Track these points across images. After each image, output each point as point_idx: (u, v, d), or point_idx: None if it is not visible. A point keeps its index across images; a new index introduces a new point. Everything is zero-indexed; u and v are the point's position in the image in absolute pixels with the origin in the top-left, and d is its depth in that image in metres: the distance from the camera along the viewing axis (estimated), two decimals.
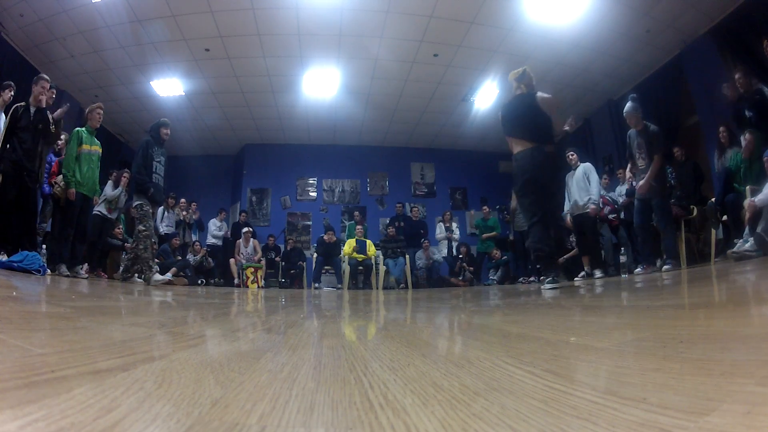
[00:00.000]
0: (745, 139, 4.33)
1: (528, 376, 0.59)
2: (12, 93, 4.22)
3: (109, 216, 5.73)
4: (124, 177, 5.83)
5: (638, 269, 4.95)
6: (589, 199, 5.44)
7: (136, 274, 4.62)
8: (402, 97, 8.07)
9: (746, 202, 3.83)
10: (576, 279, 5.36)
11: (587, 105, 8.16)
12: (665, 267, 4.49)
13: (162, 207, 7.53)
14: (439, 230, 8.59)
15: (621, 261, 6.04)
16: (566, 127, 3.60)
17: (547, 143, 3.46)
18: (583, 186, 5.52)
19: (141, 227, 4.72)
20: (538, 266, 3.93)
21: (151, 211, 4.79)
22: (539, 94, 3.53)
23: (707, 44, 5.84)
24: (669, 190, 5.43)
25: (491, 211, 8.48)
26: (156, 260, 5.01)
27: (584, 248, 5.64)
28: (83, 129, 4.77)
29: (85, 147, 4.71)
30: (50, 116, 4.38)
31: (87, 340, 0.89)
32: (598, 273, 5.23)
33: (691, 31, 5.99)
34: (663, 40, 6.24)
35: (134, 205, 4.83)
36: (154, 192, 4.72)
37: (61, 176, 4.69)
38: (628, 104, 4.81)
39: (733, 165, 4.57)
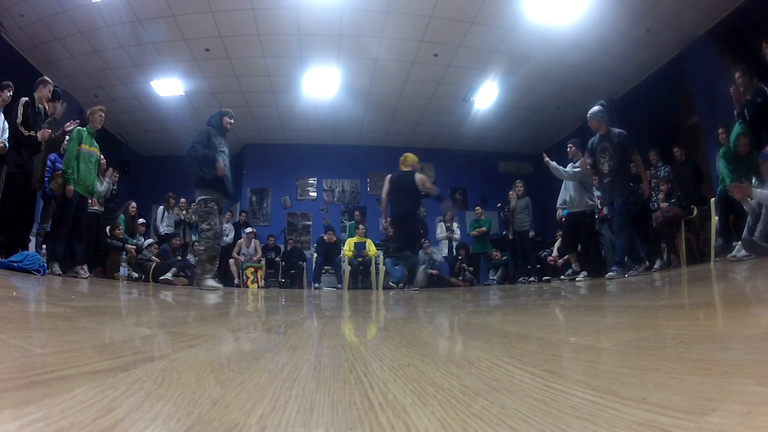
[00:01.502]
0: (739, 138, 4.34)
1: (528, 376, 0.59)
2: (11, 93, 4.21)
3: (99, 210, 5.66)
4: (102, 162, 5.73)
5: (611, 273, 4.87)
6: (569, 200, 5.46)
7: (181, 274, 4.39)
8: (402, 97, 8.07)
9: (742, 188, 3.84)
10: (564, 277, 5.38)
11: (587, 105, 8.07)
12: (609, 273, 4.41)
13: (162, 207, 7.54)
14: (440, 230, 8.59)
15: (625, 261, 6.03)
16: (430, 189, 5.43)
17: (416, 208, 5.55)
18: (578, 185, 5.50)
19: (204, 225, 4.34)
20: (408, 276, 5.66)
21: (217, 207, 4.38)
22: (417, 174, 5.33)
23: (707, 44, 5.84)
24: (631, 192, 5.42)
25: (484, 212, 8.50)
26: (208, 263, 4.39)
27: (571, 246, 5.63)
28: (84, 129, 4.73)
29: (84, 147, 4.67)
30: (50, 116, 4.39)
31: (87, 340, 0.89)
32: (573, 270, 5.27)
33: (691, 31, 5.99)
34: (663, 40, 6.24)
35: (197, 200, 4.41)
36: (219, 185, 4.34)
37: (59, 172, 4.67)
38: (595, 108, 4.82)
39: (724, 172, 4.54)
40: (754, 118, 4.24)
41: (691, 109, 6.44)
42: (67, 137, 4.87)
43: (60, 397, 0.45)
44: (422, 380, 0.59)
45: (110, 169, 5.79)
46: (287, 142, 9.99)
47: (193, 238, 7.85)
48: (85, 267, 5.03)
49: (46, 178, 4.78)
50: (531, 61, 6.88)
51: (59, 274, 4.28)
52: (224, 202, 4.57)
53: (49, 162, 4.81)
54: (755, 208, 3.72)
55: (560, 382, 0.56)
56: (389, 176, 5.56)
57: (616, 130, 4.78)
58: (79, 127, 4.71)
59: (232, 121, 4.67)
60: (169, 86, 7.54)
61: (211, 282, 4.28)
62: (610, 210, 4.88)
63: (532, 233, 6.89)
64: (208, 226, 4.32)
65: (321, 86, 7.67)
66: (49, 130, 4.34)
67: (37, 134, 4.20)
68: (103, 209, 5.82)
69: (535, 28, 6.07)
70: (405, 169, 5.42)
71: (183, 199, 7.74)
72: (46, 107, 4.45)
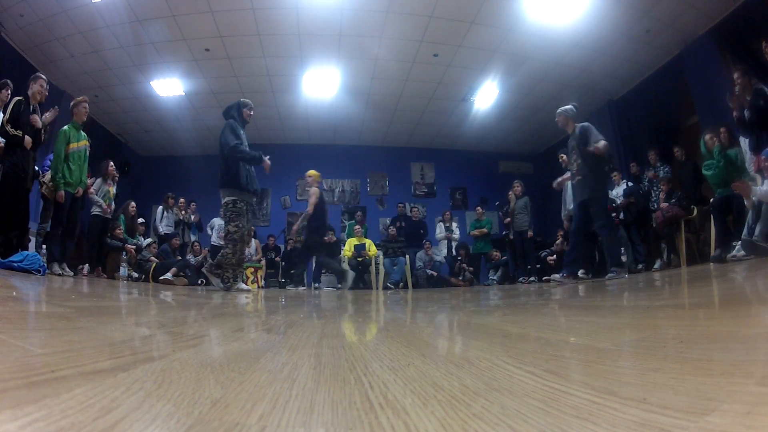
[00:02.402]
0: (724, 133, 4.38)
1: (528, 376, 0.59)
2: (9, 92, 4.21)
3: (108, 216, 5.72)
4: (110, 169, 5.78)
5: (557, 275, 4.74)
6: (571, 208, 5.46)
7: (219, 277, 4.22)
8: (402, 97, 8.07)
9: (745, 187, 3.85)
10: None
11: (587, 105, 8.13)
12: (609, 275, 4.28)
13: (162, 207, 7.54)
14: (440, 230, 8.60)
15: (622, 261, 6.04)
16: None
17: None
18: None
19: (231, 227, 4.15)
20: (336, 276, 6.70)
21: (245, 207, 4.20)
22: None
23: (707, 44, 5.84)
24: (632, 192, 5.38)
25: (484, 212, 8.50)
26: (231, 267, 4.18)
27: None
28: (69, 127, 4.62)
29: (73, 146, 4.58)
30: (40, 119, 4.34)
31: (87, 340, 0.89)
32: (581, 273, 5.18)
33: (691, 31, 5.99)
34: (663, 40, 6.24)
35: (226, 201, 4.19)
36: (248, 182, 4.19)
37: (48, 175, 4.63)
38: (566, 106, 4.72)
39: (714, 171, 4.55)
40: (755, 121, 4.24)
41: (691, 109, 6.44)
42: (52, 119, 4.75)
43: (60, 397, 0.45)
44: (422, 380, 0.59)
45: (111, 171, 5.79)
46: (287, 142, 9.99)
47: (192, 238, 7.85)
48: (86, 267, 5.04)
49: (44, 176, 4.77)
50: (531, 61, 6.88)
51: (59, 274, 4.28)
52: (252, 200, 4.46)
53: (47, 161, 4.80)
54: (755, 204, 3.74)
55: (560, 382, 0.56)
56: (318, 190, 6.16)
57: (578, 125, 4.58)
58: (63, 128, 4.62)
59: (252, 112, 4.56)
60: (169, 86, 7.54)
61: (243, 285, 4.24)
62: (579, 211, 4.63)
63: (530, 233, 6.89)
64: (235, 228, 4.14)
65: (321, 86, 7.67)
66: (31, 140, 4.18)
67: (24, 136, 4.08)
68: (111, 215, 5.86)
69: (535, 28, 6.07)
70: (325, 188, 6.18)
71: (182, 199, 7.74)
72: (38, 101, 4.38)
